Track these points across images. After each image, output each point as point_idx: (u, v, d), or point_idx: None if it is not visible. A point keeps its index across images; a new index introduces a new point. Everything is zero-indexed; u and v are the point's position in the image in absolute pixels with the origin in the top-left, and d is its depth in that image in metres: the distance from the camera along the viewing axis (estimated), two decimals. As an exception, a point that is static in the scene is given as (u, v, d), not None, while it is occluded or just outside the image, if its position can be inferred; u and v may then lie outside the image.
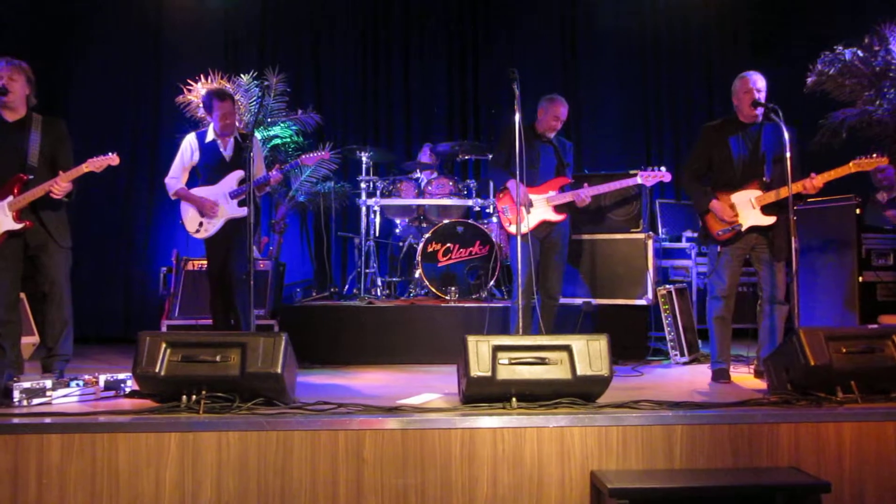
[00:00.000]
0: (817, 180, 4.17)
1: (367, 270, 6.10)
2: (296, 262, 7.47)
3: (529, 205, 4.74)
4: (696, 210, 4.55)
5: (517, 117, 3.99)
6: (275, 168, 4.82)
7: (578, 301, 5.42)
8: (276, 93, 5.93)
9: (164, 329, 5.63)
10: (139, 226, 7.40)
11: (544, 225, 4.93)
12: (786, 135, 3.99)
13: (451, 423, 3.24)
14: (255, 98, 6.09)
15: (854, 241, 4.99)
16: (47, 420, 3.22)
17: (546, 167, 4.98)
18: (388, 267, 6.61)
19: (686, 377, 4.72)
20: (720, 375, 4.44)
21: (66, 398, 3.66)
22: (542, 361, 3.40)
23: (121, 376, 3.85)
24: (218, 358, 3.36)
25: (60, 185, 4.10)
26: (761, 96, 4.33)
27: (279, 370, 3.34)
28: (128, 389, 3.83)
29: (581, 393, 3.45)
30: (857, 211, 5.00)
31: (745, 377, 4.57)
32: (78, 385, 3.73)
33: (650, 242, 5.31)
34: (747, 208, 4.34)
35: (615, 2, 7.94)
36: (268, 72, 6.06)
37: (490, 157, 6.24)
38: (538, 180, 4.94)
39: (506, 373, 3.37)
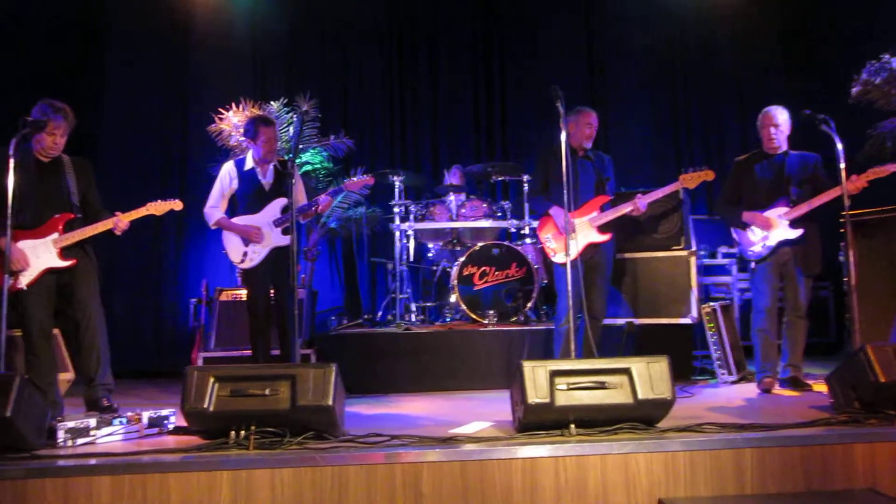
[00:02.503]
0: (860, 181, 4.32)
1: (401, 296, 6.00)
2: (325, 289, 7.39)
3: (573, 230, 4.64)
4: (734, 224, 4.81)
5: (563, 136, 3.89)
6: (324, 194, 4.77)
7: (621, 321, 5.29)
8: (308, 118, 5.88)
9: (200, 362, 5.54)
10: (168, 257, 7.35)
11: (590, 247, 4.84)
12: (839, 145, 3.90)
13: (510, 452, 3.12)
14: (285, 125, 6.04)
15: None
16: (94, 461, 3.12)
17: (585, 185, 4.88)
18: (422, 292, 6.51)
19: (739, 396, 4.56)
20: (764, 385, 4.63)
21: (110, 437, 3.57)
22: (602, 386, 3.28)
23: (164, 412, 3.76)
24: (267, 391, 3.26)
25: (122, 225, 4.15)
26: (782, 129, 4.66)
27: (331, 402, 3.23)
28: (171, 426, 3.74)
29: (642, 417, 3.32)
30: (906, 220, 4.87)
31: (787, 391, 4.62)
32: (121, 423, 3.64)
33: (693, 259, 5.19)
34: (776, 224, 4.61)
35: (642, 18, 7.85)
36: (299, 98, 6.02)
37: (525, 178, 6.18)
38: (579, 200, 4.85)
39: (564, 399, 3.25)
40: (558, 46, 7.95)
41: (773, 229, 4.61)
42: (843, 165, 3.95)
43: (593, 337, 4.74)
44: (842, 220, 4.80)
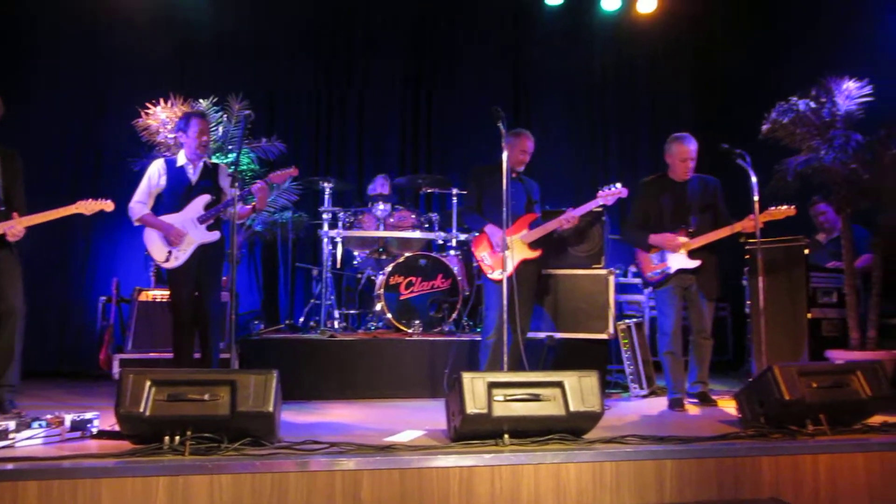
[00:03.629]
0: (755, 222, 4.63)
1: (325, 303, 6.00)
2: (243, 293, 7.29)
3: (508, 248, 4.77)
4: (640, 247, 4.99)
5: (504, 155, 4.03)
6: (258, 182, 4.71)
7: (542, 335, 5.48)
8: (237, 119, 5.81)
9: (115, 364, 5.36)
10: (76, 253, 7.06)
11: (522, 264, 4.98)
12: (753, 178, 4.24)
13: (448, 461, 3.22)
14: (213, 124, 5.93)
15: (803, 280, 5.25)
16: (14, 466, 3.00)
17: (517, 204, 5.03)
18: (345, 299, 6.53)
19: (652, 410, 4.83)
20: (675, 404, 4.80)
21: (30, 440, 3.44)
22: (536, 398, 3.43)
23: (88, 416, 3.66)
24: (206, 397, 3.24)
25: (15, 231, 4.03)
26: (694, 160, 4.88)
27: (271, 409, 3.24)
28: (95, 430, 3.64)
29: (572, 429, 3.48)
30: (805, 251, 5.27)
31: (695, 406, 4.89)
32: (41, 426, 3.52)
33: (612, 278, 5.43)
34: (675, 253, 4.84)
35: (565, 44, 8.18)
36: (230, 97, 5.94)
37: (454, 192, 6.32)
38: (511, 219, 4.98)
39: (500, 409, 3.38)
40: (485, 67, 8.16)
41: (676, 253, 4.81)
42: (756, 198, 4.28)
43: (519, 349, 4.91)
44: (744, 246, 5.22)
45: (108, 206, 4.25)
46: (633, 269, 7.13)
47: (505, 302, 4.18)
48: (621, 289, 6.75)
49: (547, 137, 8.13)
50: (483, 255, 4.99)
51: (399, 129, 8.01)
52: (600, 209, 5.34)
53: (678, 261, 4.83)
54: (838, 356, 4.95)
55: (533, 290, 5.13)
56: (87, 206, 4.22)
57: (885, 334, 5.09)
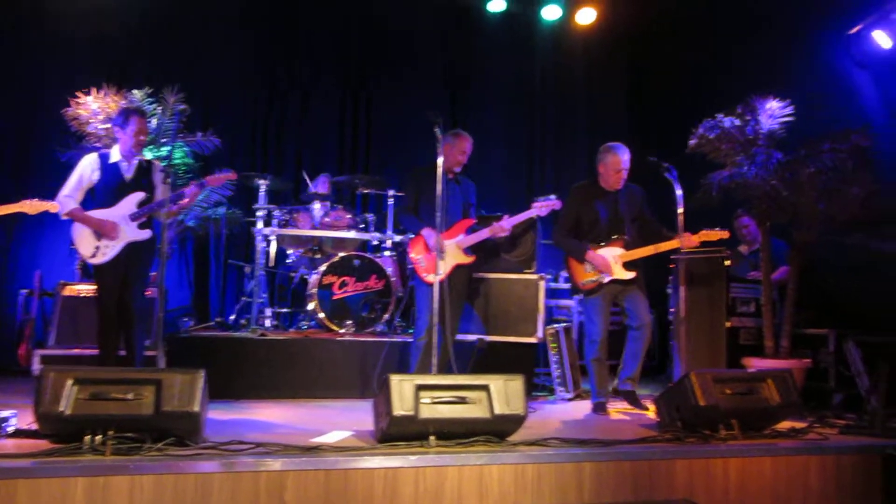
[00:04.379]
0: (693, 240, 4.83)
1: (258, 301, 5.97)
2: (172, 289, 7.16)
3: (443, 251, 4.80)
4: (575, 258, 5.05)
5: (440, 160, 4.10)
6: (192, 183, 4.68)
7: (472, 337, 5.58)
8: (172, 112, 5.72)
9: (36, 360, 5.22)
10: (-4, 245, 6.83)
11: (456, 269, 5.07)
12: (678, 191, 4.42)
13: (373, 462, 3.27)
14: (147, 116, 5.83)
15: (723, 290, 5.48)
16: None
17: (454, 207, 5.11)
18: (278, 297, 6.50)
19: (576, 413, 4.98)
20: (599, 408, 4.95)
21: (-60, 438, 3.35)
22: (463, 401, 3.51)
23: (4, 414, 3.57)
24: (130, 396, 3.21)
25: None
26: (627, 170, 4.99)
27: (197, 409, 3.24)
28: (11, 429, 3.55)
29: (497, 431, 3.58)
30: (726, 263, 5.50)
31: (617, 409, 5.03)
32: (-47, 423, 3.43)
33: (542, 283, 5.57)
34: (613, 267, 4.95)
35: (504, 52, 8.33)
36: (165, 89, 5.84)
37: (390, 193, 6.36)
38: (448, 222, 5.03)
39: (427, 412, 3.44)
40: (425, 71, 8.21)
41: (610, 271, 4.92)
42: (680, 210, 4.46)
43: (448, 352, 4.99)
44: (669, 255, 5.41)
45: (53, 207, 4.19)
46: (564, 274, 7.30)
47: (436, 305, 4.25)
48: (551, 294, 6.89)
49: (484, 143, 8.21)
50: (419, 257, 5.05)
51: (338, 129, 7.98)
52: (534, 218, 5.45)
53: (613, 272, 4.94)
54: (753, 364, 5.18)
55: (464, 294, 5.23)
56: (33, 206, 4.14)
57: (797, 343, 5.34)
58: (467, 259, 5.10)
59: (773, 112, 5.31)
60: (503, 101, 8.51)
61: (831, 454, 3.85)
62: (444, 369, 4.59)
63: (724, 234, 4.98)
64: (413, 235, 5.18)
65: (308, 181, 6.65)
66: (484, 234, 5.11)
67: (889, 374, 4.34)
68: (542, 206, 5.23)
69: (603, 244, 4.99)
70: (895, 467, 3.84)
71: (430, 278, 4.88)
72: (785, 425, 4.16)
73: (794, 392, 4.09)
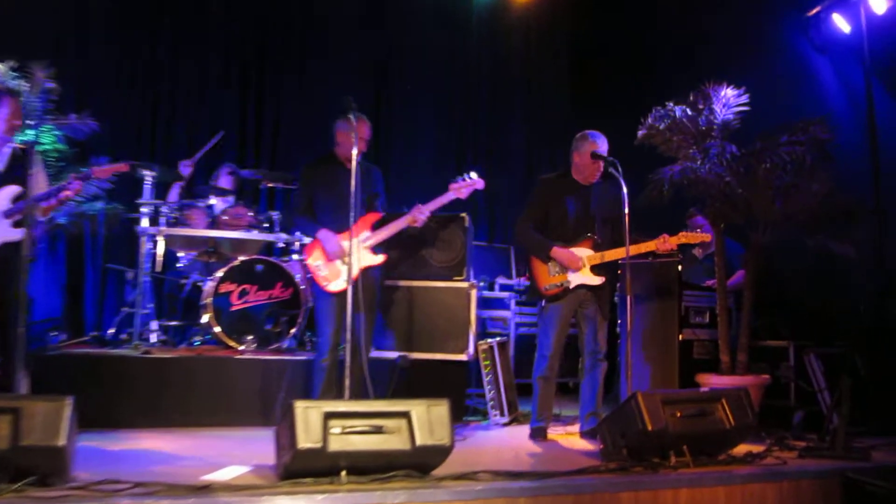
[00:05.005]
0: (669, 242, 4.82)
1: (142, 311, 5.81)
2: (39, 296, 6.90)
3: (346, 254, 4.73)
4: (537, 256, 4.98)
5: (354, 151, 4.06)
6: (72, 176, 4.55)
7: (392, 355, 5.55)
8: (39, 88, 5.51)
9: None
10: None
11: (363, 273, 4.90)
12: (624, 189, 4.49)
13: (274, 503, 3.20)
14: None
15: (675, 299, 5.60)
16: None
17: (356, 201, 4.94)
18: (167, 308, 6.34)
19: (512, 440, 5.00)
20: (538, 434, 4.96)
21: None
22: (379, 430, 3.47)
23: None
24: (-20, 429, 3.06)
25: None
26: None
27: (62, 442, 3.12)
28: None
29: (419, 464, 3.55)
30: (679, 268, 5.62)
31: (560, 436, 5.08)
32: None
33: (474, 292, 5.58)
34: (583, 265, 4.90)
35: (434, 33, 8.37)
36: (34, 64, 5.62)
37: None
38: (348, 218, 4.91)
39: (338, 443, 3.39)
40: (345, 52, 8.19)
41: (578, 272, 4.89)
42: (626, 210, 4.53)
43: (362, 372, 4.91)
44: (616, 261, 5.47)
45: None
46: (500, 280, 7.34)
47: (349, 318, 4.20)
48: (484, 303, 6.92)
49: (412, 133, 8.30)
50: (317, 264, 4.94)
51: (239, 116, 7.90)
52: (463, 215, 5.46)
53: (580, 276, 4.91)
54: (707, 381, 5.31)
55: (375, 301, 5.13)
56: None
57: (755, 356, 5.50)
58: (376, 259, 5.02)
59: (728, 101, 5.44)
60: (433, 86, 8.55)
61: (790, 480, 3.98)
62: (359, 393, 4.53)
63: (706, 238, 5.06)
64: (309, 240, 5.08)
65: (182, 174, 6.51)
66: (398, 225, 5.01)
67: (851, 389, 4.49)
68: (462, 187, 5.06)
69: (570, 245, 4.94)
70: (855, 491, 3.98)
71: (332, 287, 4.80)
72: (741, 449, 4.26)
73: (750, 413, 4.19)
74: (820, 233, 5.28)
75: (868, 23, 6.26)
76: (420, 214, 5.02)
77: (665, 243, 4.83)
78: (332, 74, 8.06)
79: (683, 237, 4.89)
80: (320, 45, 8.09)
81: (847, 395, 4.49)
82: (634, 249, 4.76)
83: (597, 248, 4.93)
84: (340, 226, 4.78)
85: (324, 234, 4.88)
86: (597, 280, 4.91)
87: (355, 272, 4.80)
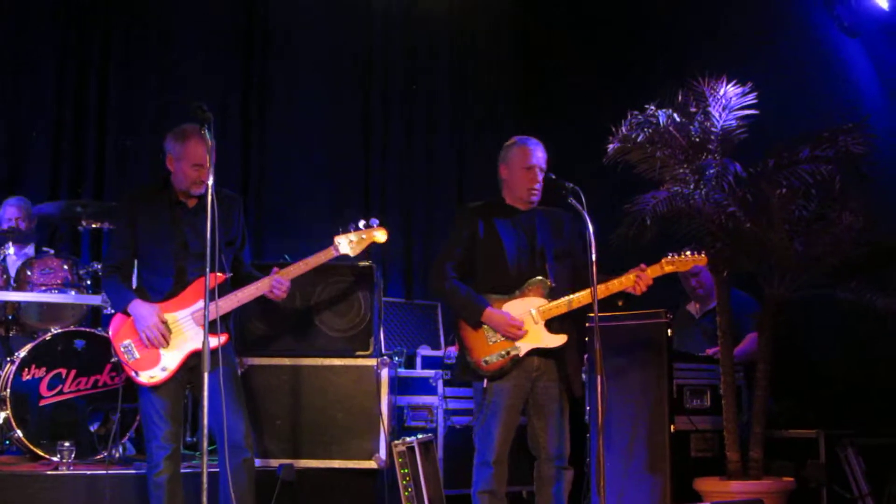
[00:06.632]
0: (647, 277, 4.76)
1: None
2: None
3: (165, 335, 4.64)
4: (467, 320, 4.86)
5: (210, 181, 4.04)
6: None
7: (273, 463, 5.49)
8: None
9: None
10: None
11: (195, 356, 4.67)
12: (589, 227, 4.50)
13: None
14: None
15: (664, 376, 5.61)
16: None
17: (196, 250, 4.74)
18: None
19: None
20: None
21: None
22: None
23: None
24: None
25: None
26: (542, 172, 4.87)
27: None
28: None
29: None
30: (668, 331, 5.62)
31: None
32: None
33: (385, 372, 5.56)
34: (527, 324, 4.77)
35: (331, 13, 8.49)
36: None
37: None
38: (183, 279, 4.78)
39: None
40: (205, 37, 8.38)
41: (525, 337, 4.75)
42: (594, 257, 4.49)
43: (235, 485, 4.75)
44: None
45: None
46: (422, 351, 7.30)
47: (205, 416, 4.15)
48: (401, 386, 6.85)
49: (294, 151, 8.33)
50: (127, 345, 4.75)
51: (52, 128, 7.87)
52: (368, 264, 5.45)
53: (532, 336, 4.78)
54: (710, 488, 5.37)
55: (234, 388, 4.84)
56: None
57: (773, 452, 5.56)
58: (217, 340, 4.58)
59: (730, 101, 5.55)
60: (328, 77, 8.65)
61: None
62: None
63: (702, 260, 4.95)
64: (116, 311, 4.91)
65: None
66: (246, 295, 4.82)
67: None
68: (352, 242, 4.89)
69: (512, 294, 4.86)
70: None
71: (144, 378, 4.63)
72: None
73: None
74: (855, 281, 5.37)
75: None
76: (278, 288, 4.82)
77: (641, 279, 4.75)
78: (187, 64, 8.15)
79: (668, 264, 4.83)
80: (173, 21, 8.20)
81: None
82: (603, 292, 4.69)
83: (551, 294, 4.83)
84: (171, 289, 4.74)
85: (136, 306, 4.73)
86: (556, 340, 4.80)
87: (183, 355, 4.70)
